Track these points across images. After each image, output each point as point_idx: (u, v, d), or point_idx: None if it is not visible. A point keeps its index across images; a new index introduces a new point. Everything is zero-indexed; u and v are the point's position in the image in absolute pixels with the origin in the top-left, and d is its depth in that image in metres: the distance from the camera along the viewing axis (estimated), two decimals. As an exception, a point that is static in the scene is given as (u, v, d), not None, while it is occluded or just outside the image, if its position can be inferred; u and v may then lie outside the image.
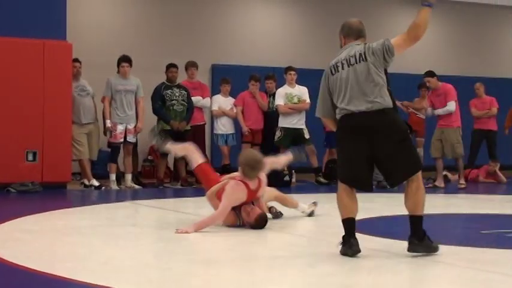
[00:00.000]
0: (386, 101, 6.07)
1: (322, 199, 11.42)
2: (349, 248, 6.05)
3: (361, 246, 6.03)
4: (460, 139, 13.93)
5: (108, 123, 12.98)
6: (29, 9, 12.62)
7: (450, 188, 14.09)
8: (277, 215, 8.69)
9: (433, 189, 13.39)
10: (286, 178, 13.79)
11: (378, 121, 6.04)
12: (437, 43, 19.43)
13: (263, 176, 7.98)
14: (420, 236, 6.08)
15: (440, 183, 14.10)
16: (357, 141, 6.11)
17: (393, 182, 6.31)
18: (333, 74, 6.31)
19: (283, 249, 6.80)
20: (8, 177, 12.10)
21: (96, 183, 12.91)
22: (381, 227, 8.57)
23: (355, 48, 6.27)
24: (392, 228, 8.43)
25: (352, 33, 6.42)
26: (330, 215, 9.41)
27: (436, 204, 10.87)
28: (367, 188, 6.31)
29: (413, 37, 6.06)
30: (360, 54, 6.17)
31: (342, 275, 5.51)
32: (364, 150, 6.10)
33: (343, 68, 6.24)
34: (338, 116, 6.28)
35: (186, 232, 7.29)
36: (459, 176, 14.26)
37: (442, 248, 6.20)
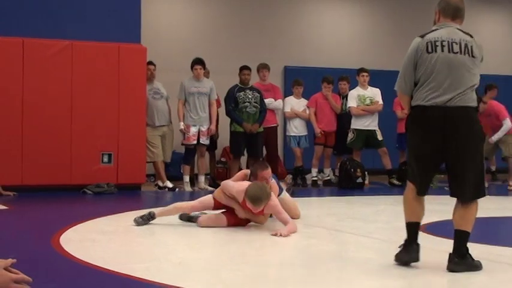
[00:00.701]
0: (474, 100, 5.62)
1: (395, 201, 11.36)
2: (407, 253, 5.77)
3: (434, 248, 5.96)
4: None
5: (181, 126, 13.08)
6: (104, 13, 12.80)
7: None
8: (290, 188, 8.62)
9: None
10: (359, 180, 13.72)
11: (459, 117, 5.57)
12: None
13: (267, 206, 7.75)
14: (463, 253, 5.68)
15: None
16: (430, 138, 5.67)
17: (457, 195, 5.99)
18: (428, 52, 5.70)
19: (356, 251, 6.77)
20: (84, 179, 12.28)
21: (170, 184, 13.03)
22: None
23: (458, 34, 5.71)
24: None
25: (449, 10, 5.79)
26: (403, 217, 9.36)
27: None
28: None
29: None
30: (466, 46, 5.65)
31: (414, 277, 5.46)
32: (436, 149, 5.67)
33: (442, 51, 5.64)
34: (418, 103, 5.72)
35: (281, 235, 7.35)
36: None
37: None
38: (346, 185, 13.74)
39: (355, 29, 18.13)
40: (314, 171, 14.50)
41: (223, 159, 15.49)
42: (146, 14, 13.93)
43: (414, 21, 18.48)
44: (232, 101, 13.49)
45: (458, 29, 5.75)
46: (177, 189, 12.94)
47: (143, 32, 13.22)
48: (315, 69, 16.54)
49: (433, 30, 5.79)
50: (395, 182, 14.31)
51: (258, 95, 13.58)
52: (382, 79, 15.39)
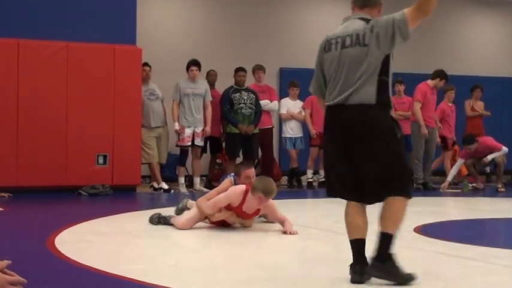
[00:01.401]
0: (370, 94, 5.10)
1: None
2: (352, 273, 5.28)
3: (430, 250, 5.95)
4: None
5: (176, 126, 13.07)
6: (100, 15, 12.80)
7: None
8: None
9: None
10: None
11: (354, 118, 5.13)
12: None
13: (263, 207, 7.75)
14: (382, 258, 5.17)
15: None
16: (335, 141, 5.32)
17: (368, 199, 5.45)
18: (326, 51, 5.48)
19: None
20: (80, 180, 12.27)
21: (165, 186, 13.04)
22: (450, 231, 8.47)
23: (355, 24, 5.32)
24: (461, 232, 8.34)
25: (358, 2, 5.47)
26: (409, 219, 9.36)
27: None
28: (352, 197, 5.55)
29: (425, 12, 5.09)
30: (358, 36, 5.22)
31: (410, 279, 5.46)
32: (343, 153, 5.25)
33: (336, 49, 5.35)
34: (326, 104, 5.45)
35: (291, 233, 7.49)
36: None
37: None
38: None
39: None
40: (309, 172, 14.50)
41: (218, 161, 15.48)
42: (141, 15, 13.92)
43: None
44: (227, 103, 13.50)
45: (360, 18, 5.37)
46: (172, 191, 12.93)
47: (138, 33, 13.22)
48: (310, 71, 16.46)
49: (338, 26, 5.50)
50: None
51: (254, 96, 13.59)
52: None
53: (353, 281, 5.17)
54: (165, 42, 16.00)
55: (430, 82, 14.08)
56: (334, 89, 5.31)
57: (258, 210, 7.76)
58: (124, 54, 12.74)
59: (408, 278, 5.09)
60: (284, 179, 15.02)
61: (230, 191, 7.79)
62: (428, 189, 13.68)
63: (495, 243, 7.18)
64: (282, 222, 7.73)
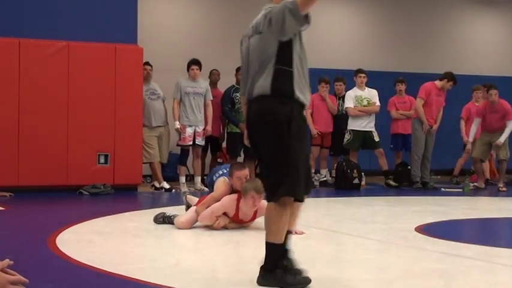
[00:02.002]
0: (265, 85, 4.92)
1: (392, 202, 11.39)
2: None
3: (432, 249, 5.95)
4: None
5: (177, 125, 13.05)
6: (101, 14, 12.79)
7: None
8: None
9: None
10: (356, 181, 13.71)
11: (254, 111, 5.01)
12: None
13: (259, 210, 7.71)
14: (269, 267, 4.96)
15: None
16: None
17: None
18: (241, 45, 5.32)
19: (353, 252, 6.77)
20: (81, 180, 12.26)
21: (166, 185, 13.03)
22: (451, 230, 8.47)
23: (260, 14, 5.12)
24: (463, 232, 8.34)
25: None
26: (401, 218, 9.37)
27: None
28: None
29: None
30: (257, 25, 5.06)
31: (412, 278, 5.46)
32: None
33: (245, 42, 5.22)
34: None
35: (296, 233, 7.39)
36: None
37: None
38: (343, 185, 13.74)
39: (352, 30, 18.14)
40: (310, 172, 14.46)
41: (220, 160, 15.47)
42: (142, 14, 13.91)
43: (410, 23, 18.54)
44: (228, 102, 13.50)
45: (265, 8, 5.13)
46: (173, 190, 12.93)
47: (139, 32, 13.21)
48: (311, 70, 16.45)
49: None
50: (392, 183, 14.31)
51: (255, 95, 13.55)
52: (378, 80, 15.42)
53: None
54: (166, 41, 15.99)
55: (437, 83, 14.06)
56: (244, 83, 5.18)
57: (255, 215, 7.75)
58: (125, 54, 12.73)
59: (300, 282, 4.94)
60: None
61: (224, 200, 7.76)
62: (429, 189, 13.66)
63: (496, 243, 7.18)
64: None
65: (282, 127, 4.82)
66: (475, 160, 14.30)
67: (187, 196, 8.95)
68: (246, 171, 7.95)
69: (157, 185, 13.13)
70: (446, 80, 14.01)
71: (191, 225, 7.86)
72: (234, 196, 7.70)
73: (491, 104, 13.87)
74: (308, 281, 4.96)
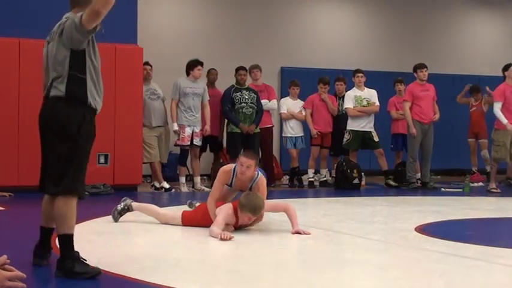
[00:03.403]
0: (58, 89, 5.51)
1: (392, 202, 11.39)
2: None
3: (432, 249, 5.95)
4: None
5: (175, 127, 13.04)
6: (101, 14, 12.78)
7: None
8: None
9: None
10: (356, 181, 13.72)
11: (44, 111, 5.71)
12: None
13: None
14: (62, 257, 5.34)
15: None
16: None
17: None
18: (44, 47, 5.80)
19: (353, 252, 6.77)
20: (80, 180, 12.25)
21: (166, 185, 13.03)
22: (451, 230, 8.47)
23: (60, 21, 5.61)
24: (463, 232, 8.34)
25: (70, 2, 5.84)
26: (401, 218, 9.38)
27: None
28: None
29: (96, 12, 5.55)
30: (54, 32, 5.62)
31: (411, 279, 5.46)
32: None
33: (46, 46, 5.73)
34: None
35: (298, 232, 7.49)
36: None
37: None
38: (343, 185, 13.75)
39: (352, 30, 18.15)
40: (311, 172, 14.49)
41: (220, 161, 15.48)
42: (142, 14, 13.91)
43: (410, 23, 18.56)
44: (228, 102, 13.50)
45: (65, 17, 5.75)
46: (173, 190, 12.93)
47: (139, 32, 13.21)
48: (311, 70, 16.54)
49: None
50: (392, 183, 14.32)
51: (255, 95, 13.58)
52: (378, 80, 15.44)
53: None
54: (166, 41, 16.00)
55: (417, 80, 14.02)
56: (45, 84, 5.76)
57: (255, 219, 7.74)
58: (125, 54, 12.74)
59: (89, 271, 5.26)
60: (285, 179, 15.02)
61: (222, 214, 7.64)
62: (429, 189, 13.65)
63: (496, 243, 7.17)
64: (287, 210, 7.78)
65: (72, 129, 5.45)
66: (498, 161, 13.57)
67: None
68: (250, 161, 7.88)
69: (157, 185, 13.14)
70: (416, 72, 13.99)
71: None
72: (230, 206, 7.63)
73: None
74: (98, 270, 5.27)
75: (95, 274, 5.23)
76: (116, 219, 8.50)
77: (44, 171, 5.84)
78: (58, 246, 5.40)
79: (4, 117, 11.98)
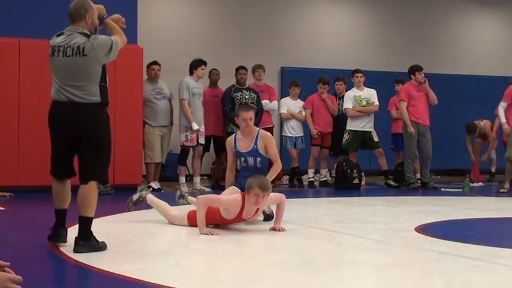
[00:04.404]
0: (94, 96, 6.53)
1: (392, 202, 11.38)
2: (57, 236, 6.46)
3: (432, 249, 5.96)
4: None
5: (196, 126, 13.01)
6: (101, 14, 12.79)
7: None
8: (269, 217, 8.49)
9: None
10: (356, 181, 13.72)
11: (79, 114, 6.40)
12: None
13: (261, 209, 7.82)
14: (86, 237, 6.27)
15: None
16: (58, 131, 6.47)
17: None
18: (52, 56, 6.49)
19: (353, 252, 6.77)
20: (80, 180, 12.25)
21: (155, 186, 12.95)
22: (452, 230, 8.47)
23: (76, 38, 6.48)
24: (463, 232, 8.33)
25: (69, 18, 6.72)
26: (401, 218, 9.38)
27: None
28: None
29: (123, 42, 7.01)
30: (78, 48, 6.42)
31: (412, 278, 5.46)
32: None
33: (58, 55, 6.41)
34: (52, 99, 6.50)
35: (279, 229, 7.64)
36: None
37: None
38: (343, 185, 13.76)
39: (352, 31, 18.15)
40: (311, 172, 14.49)
41: (221, 161, 15.47)
42: (142, 14, 13.91)
43: (410, 23, 18.56)
44: (229, 102, 13.50)
45: (79, 32, 6.54)
46: (162, 191, 12.76)
47: (139, 32, 13.20)
48: (311, 71, 16.54)
49: (60, 34, 6.62)
50: (392, 183, 14.32)
51: (255, 95, 13.59)
52: (378, 80, 15.44)
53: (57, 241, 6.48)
54: (167, 41, 16.01)
55: (412, 81, 14.02)
56: (57, 87, 6.46)
57: (257, 212, 7.74)
58: (125, 54, 12.60)
59: (103, 247, 6.36)
60: (285, 178, 15.01)
61: (230, 199, 7.66)
62: (429, 189, 13.65)
63: (496, 243, 7.17)
64: (280, 204, 7.82)
65: (104, 127, 6.69)
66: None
67: (189, 198, 9.00)
68: (250, 113, 8.20)
69: (154, 186, 13.05)
70: (413, 74, 13.98)
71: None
72: (239, 198, 7.60)
73: None
74: (105, 245, 6.40)
75: (106, 247, 6.36)
76: (129, 209, 8.70)
77: (58, 161, 6.55)
78: (80, 226, 6.26)
79: (4, 117, 11.98)
